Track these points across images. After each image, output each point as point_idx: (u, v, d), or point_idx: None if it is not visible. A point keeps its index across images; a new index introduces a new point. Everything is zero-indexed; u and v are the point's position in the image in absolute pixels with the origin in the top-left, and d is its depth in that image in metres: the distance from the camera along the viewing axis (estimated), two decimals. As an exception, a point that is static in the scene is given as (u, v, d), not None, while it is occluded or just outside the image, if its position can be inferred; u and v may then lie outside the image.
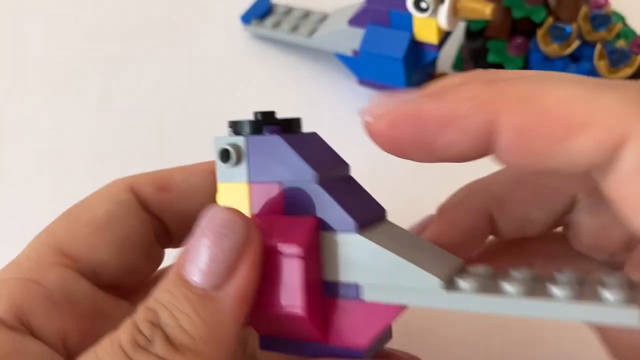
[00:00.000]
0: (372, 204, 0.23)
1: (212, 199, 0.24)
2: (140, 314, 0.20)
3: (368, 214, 0.22)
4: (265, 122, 0.22)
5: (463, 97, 0.19)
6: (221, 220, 0.20)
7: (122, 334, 0.19)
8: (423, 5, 0.35)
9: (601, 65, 0.39)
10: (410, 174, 0.39)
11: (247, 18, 0.46)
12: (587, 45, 0.41)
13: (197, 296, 0.19)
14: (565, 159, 0.18)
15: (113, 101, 0.44)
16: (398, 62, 0.37)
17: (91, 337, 0.22)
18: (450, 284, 0.20)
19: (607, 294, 0.18)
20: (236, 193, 0.22)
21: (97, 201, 0.25)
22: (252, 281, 0.20)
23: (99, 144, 0.41)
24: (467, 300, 0.19)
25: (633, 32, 0.43)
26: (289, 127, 0.22)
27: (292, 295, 0.20)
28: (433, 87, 0.20)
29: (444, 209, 0.27)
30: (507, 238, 0.26)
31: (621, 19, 0.44)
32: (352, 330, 0.21)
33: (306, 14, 0.45)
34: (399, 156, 0.21)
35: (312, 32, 0.43)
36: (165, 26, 0.48)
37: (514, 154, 0.19)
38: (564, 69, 0.41)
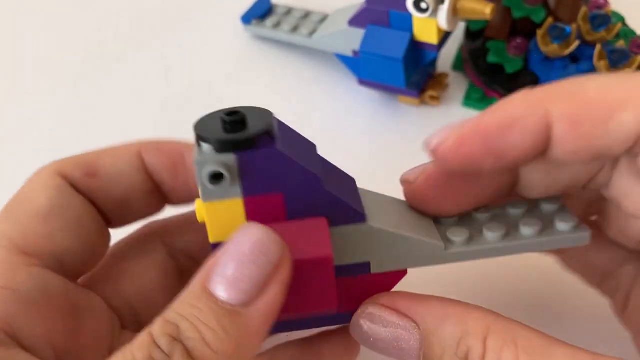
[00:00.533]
0: (347, 180, 0.24)
1: (140, 184, 0.26)
2: (158, 328, 0.19)
3: (355, 194, 0.23)
4: (237, 130, 0.20)
5: (516, 102, 0.22)
6: (258, 239, 0.20)
7: (138, 350, 0.18)
8: (423, 5, 0.35)
9: (601, 65, 0.39)
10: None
11: (247, 18, 0.46)
12: (586, 46, 0.41)
13: (225, 311, 0.19)
14: (614, 137, 0.20)
15: (113, 101, 0.44)
16: (398, 63, 0.37)
17: (75, 335, 0.22)
18: (447, 244, 0.24)
19: (563, 225, 0.24)
20: (229, 210, 0.21)
21: (32, 191, 0.24)
22: (281, 297, 0.20)
23: (99, 144, 0.41)
24: (461, 255, 0.24)
25: (633, 32, 0.43)
26: (267, 132, 0.21)
27: (325, 295, 0.21)
28: (488, 108, 0.23)
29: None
30: (532, 196, 0.26)
31: (621, 19, 0.44)
32: (359, 298, 0.23)
33: (306, 15, 0.45)
34: (470, 170, 0.23)
35: (312, 33, 0.43)
36: (165, 26, 0.48)
37: (570, 141, 0.21)
38: (563, 69, 0.41)
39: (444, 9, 0.35)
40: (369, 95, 0.43)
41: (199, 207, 0.21)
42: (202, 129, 0.20)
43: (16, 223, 0.24)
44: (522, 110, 0.21)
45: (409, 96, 0.42)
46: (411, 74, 0.39)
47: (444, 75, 0.43)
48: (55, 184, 0.25)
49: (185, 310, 0.19)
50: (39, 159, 0.40)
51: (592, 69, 0.40)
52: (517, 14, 0.42)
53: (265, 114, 0.22)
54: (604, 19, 0.41)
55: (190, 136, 0.41)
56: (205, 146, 0.20)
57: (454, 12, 0.36)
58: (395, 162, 0.40)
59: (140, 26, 0.48)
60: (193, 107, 0.43)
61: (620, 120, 0.20)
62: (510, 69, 0.41)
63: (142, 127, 0.42)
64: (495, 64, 0.42)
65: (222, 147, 0.20)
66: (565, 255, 0.28)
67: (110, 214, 0.26)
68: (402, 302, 0.22)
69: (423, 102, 0.43)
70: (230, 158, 0.20)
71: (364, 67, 0.39)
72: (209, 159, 0.20)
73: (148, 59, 0.46)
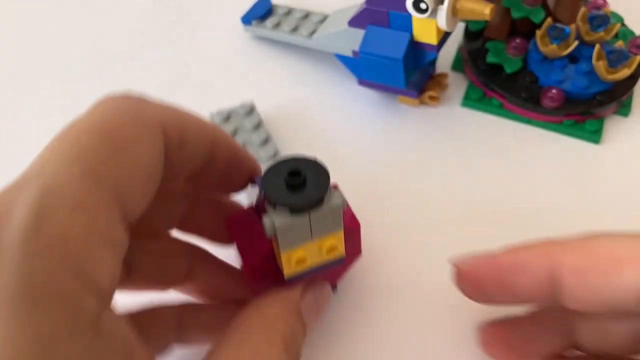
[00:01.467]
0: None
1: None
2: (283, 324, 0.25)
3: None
4: (300, 189, 0.25)
5: (529, 248, 0.24)
6: (329, 291, 0.29)
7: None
8: (422, 6, 0.35)
9: (600, 65, 0.39)
10: (408, 174, 0.40)
11: (247, 19, 0.46)
12: (585, 46, 0.41)
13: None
14: (619, 291, 0.22)
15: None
16: (398, 63, 0.37)
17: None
18: None
19: None
20: (302, 251, 0.27)
21: (138, 142, 0.22)
22: None
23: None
24: None
25: (631, 33, 0.43)
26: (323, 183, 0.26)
27: (356, 250, 0.31)
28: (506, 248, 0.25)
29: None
30: (591, 352, 0.27)
31: (620, 19, 0.45)
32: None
33: (306, 15, 0.45)
34: (486, 303, 0.26)
35: (312, 33, 0.43)
36: (166, 27, 0.48)
37: (578, 291, 0.23)
38: (562, 69, 0.41)
39: (444, 9, 0.35)
40: (368, 96, 0.43)
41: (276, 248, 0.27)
42: (272, 191, 0.25)
43: (120, 175, 0.21)
44: (534, 256, 0.24)
45: (408, 96, 0.42)
46: (411, 74, 0.39)
47: (443, 76, 0.43)
48: (159, 146, 0.23)
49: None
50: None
51: (591, 69, 0.40)
52: (516, 15, 0.42)
53: (317, 166, 0.26)
54: (603, 20, 0.41)
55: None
56: (280, 208, 0.25)
57: (453, 13, 0.36)
58: (395, 162, 0.40)
59: (140, 27, 0.48)
60: (193, 106, 0.43)
61: (624, 276, 0.22)
62: (509, 69, 0.41)
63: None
64: (495, 64, 0.42)
65: (297, 211, 0.25)
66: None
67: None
68: None
69: (422, 102, 0.43)
70: (305, 219, 0.25)
71: (363, 68, 0.39)
72: (287, 223, 0.25)
73: (149, 59, 0.46)
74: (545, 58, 0.41)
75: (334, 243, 0.27)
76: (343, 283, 0.34)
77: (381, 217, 0.37)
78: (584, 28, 0.41)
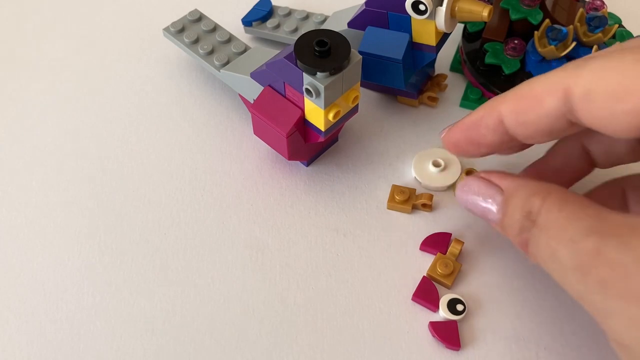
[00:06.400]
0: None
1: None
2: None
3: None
4: (326, 56, 0.32)
5: (482, 106, 0.30)
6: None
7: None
8: (421, 7, 0.35)
9: (597, 66, 0.40)
10: (401, 160, 0.40)
11: (248, 20, 0.47)
12: (583, 47, 0.42)
13: None
14: (548, 118, 0.27)
15: (114, 101, 0.44)
16: (397, 63, 0.38)
17: None
18: None
19: None
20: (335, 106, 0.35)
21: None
22: None
23: (100, 142, 0.42)
24: None
25: (629, 34, 0.44)
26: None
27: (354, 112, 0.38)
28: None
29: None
30: (605, 167, 0.33)
31: (618, 20, 0.45)
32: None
33: (306, 16, 0.45)
34: (461, 154, 0.32)
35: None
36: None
37: (518, 130, 0.29)
38: (560, 70, 0.41)
39: (442, 10, 0.35)
40: (368, 96, 0.44)
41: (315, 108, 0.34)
42: (308, 61, 0.32)
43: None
44: (484, 111, 0.30)
45: (407, 97, 0.43)
46: (410, 75, 0.39)
47: (442, 76, 0.44)
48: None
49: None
50: (41, 158, 0.41)
51: (588, 70, 0.40)
52: (514, 16, 0.42)
53: (331, 33, 0.33)
54: (601, 21, 0.41)
55: (192, 134, 0.42)
56: (320, 74, 0.32)
57: (452, 14, 0.36)
58: (394, 162, 0.40)
59: (140, 28, 0.49)
60: (193, 106, 0.44)
61: (547, 105, 0.27)
62: (507, 70, 0.41)
63: (145, 126, 0.42)
64: (493, 65, 0.42)
65: (335, 72, 0.32)
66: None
67: None
68: (494, 176, 0.30)
69: (421, 103, 0.43)
70: (340, 76, 0.33)
71: (363, 68, 0.40)
72: (331, 82, 0.32)
73: (150, 60, 0.47)
74: (543, 59, 0.42)
75: (355, 92, 0.35)
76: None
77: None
78: (582, 29, 0.42)
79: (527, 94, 0.28)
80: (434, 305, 0.34)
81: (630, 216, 0.25)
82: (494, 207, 0.30)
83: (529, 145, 0.32)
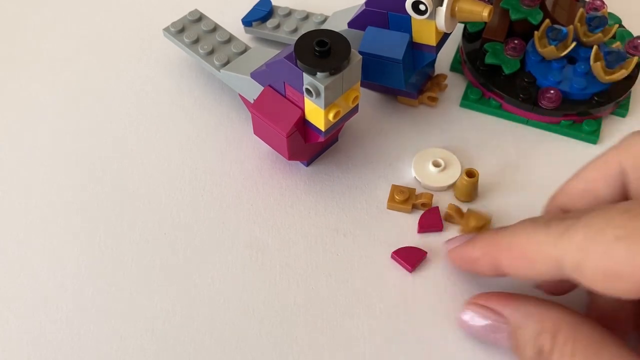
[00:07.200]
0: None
1: None
2: None
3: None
4: (326, 56, 0.32)
5: (477, 248, 0.32)
6: None
7: None
8: (421, 7, 0.35)
9: (597, 66, 0.40)
10: (401, 160, 0.40)
11: (248, 20, 0.47)
12: (583, 47, 0.42)
13: None
14: (541, 275, 0.28)
15: (115, 102, 0.44)
16: (397, 64, 0.38)
17: None
18: None
19: None
20: (335, 106, 0.35)
21: None
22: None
23: (100, 142, 0.42)
24: None
25: (629, 34, 0.44)
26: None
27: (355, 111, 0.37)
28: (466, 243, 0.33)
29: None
30: None
31: (617, 20, 0.45)
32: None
33: (306, 17, 0.45)
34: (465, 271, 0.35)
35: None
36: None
37: (516, 275, 0.29)
38: (560, 70, 0.41)
39: (442, 10, 0.35)
40: (368, 96, 0.44)
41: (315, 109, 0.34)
42: (308, 61, 0.32)
43: None
44: (480, 253, 0.31)
45: (407, 97, 0.43)
46: (410, 75, 0.39)
47: (442, 76, 0.44)
48: None
49: None
50: (41, 158, 0.41)
51: (588, 70, 0.41)
52: (514, 16, 0.42)
53: (330, 33, 0.33)
54: (601, 21, 0.41)
55: (192, 133, 0.42)
56: (320, 74, 0.32)
57: (452, 14, 0.36)
58: (394, 162, 0.40)
59: (140, 28, 0.49)
60: (193, 106, 0.44)
61: (541, 270, 0.27)
62: (507, 70, 0.42)
63: (145, 126, 0.42)
64: (493, 65, 0.42)
65: (335, 72, 0.32)
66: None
67: None
68: (495, 302, 0.31)
69: (421, 103, 0.43)
70: (340, 76, 0.33)
71: (363, 68, 0.40)
72: (330, 82, 0.32)
73: (150, 60, 0.47)
74: (543, 59, 0.42)
75: (355, 92, 0.35)
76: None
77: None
78: (582, 29, 0.42)
79: (521, 255, 0.28)
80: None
81: None
82: (503, 336, 0.30)
83: None
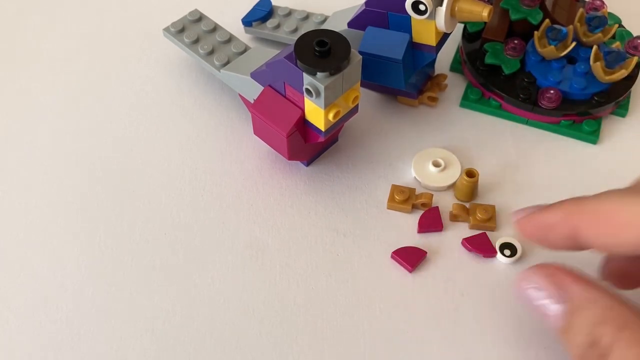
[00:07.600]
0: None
1: None
2: None
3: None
4: (326, 56, 0.32)
5: (556, 211, 0.29)
6: None
7: None
8: (421, 7, 0.35)
9: (597, 66, 0.40)
10: (401, 160, 0.40)
11: (248, 20, 0.47)
12: (583, 47, 0.42)
13: None
14: (622, 245, 0.26)
15: (113, 101, 0.44)
16: (397, 64, 0.38)
17: None
18: None
19: None
20: (335, 106, 0.35)
21: None
22: None
23: (100, 142, 0.42)
24: None
25: (629, 34, 0.44)
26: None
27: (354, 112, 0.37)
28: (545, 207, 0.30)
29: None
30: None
31: (617, 20, 0.45)
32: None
33: (306, 17, 0.45)
34: (537, 244, 0.31)
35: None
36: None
37: (596, 244, 0.28)
38: (560, 70, 0.41)
39: (442, 10, 0.35)
40: (368, 96, 0.44)
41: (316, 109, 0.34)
42: (308, 61, 0.32)
43: None
44: (559, 218, 0.29)
45: (407, 97, 0.43)
46: (410, 75, 0.39)
47: (442, 76, 0.44)
48: None
49: None
50: (41, 158, 0.41)
51: (588, 70, 0.41)
52: (514, 16, 0.42)
53: (330, 32, 0.33)
54: (601, 21, 0.41)
55: (193, 133, 0.42)
56: (320, 74, 0.32)
57: (452, 14, 0.36)
58: (394, 162, 0.40)
59: (140, 28, 0.49)
60: (193, 106, 0.44)
61: (624, 236, 0.26)
62: (507, 70, 0.42)
63: (145, 126, 0.42)
64: (493, 65, 0.42)
65: (335, 72, 0.32)
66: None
67: None
68: (563, 275, 0.28)
69: (421, 103, 0.43)
70: (340, 76, 0.33)
71: (363, 68, 0.40)
72: (330, 82, 0.32)
73: (150, 60, 0.47)
74: (543, 59, 0.42)
75: (355, 92, 0.35)
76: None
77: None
78: (582, 29, 0.42)
79: (607, 220, 0.27)
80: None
81: None
82: (557, 312, 0.27)
83: None
